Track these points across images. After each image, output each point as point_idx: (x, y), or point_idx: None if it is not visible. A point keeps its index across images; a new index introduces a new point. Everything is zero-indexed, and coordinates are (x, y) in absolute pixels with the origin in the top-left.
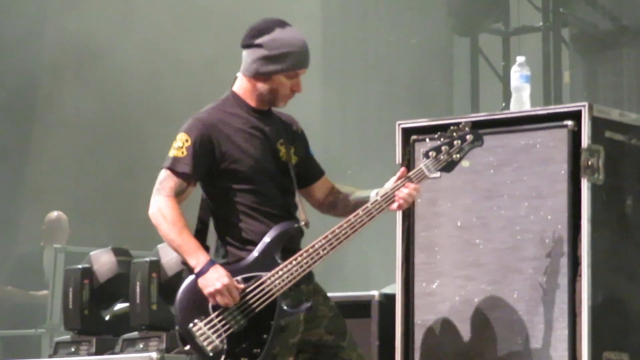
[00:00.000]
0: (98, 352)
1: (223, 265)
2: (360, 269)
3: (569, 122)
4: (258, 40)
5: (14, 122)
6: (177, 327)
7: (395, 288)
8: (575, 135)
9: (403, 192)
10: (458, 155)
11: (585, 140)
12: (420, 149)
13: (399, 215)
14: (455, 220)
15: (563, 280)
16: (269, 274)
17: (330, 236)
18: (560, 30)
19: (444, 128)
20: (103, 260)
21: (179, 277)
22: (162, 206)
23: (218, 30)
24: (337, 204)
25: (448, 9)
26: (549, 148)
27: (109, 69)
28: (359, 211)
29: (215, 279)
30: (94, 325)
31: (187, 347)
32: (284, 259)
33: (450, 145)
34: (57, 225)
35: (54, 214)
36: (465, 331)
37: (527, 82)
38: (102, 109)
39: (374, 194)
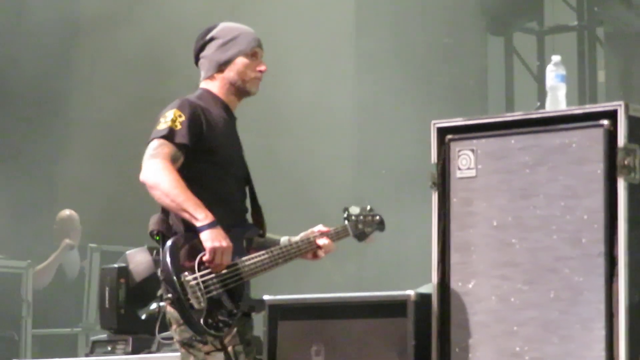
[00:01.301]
0: (134, 352)
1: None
2: (396, 268)
3: (605, 122)
4: (209, 35)
5: (43, 123)
6: (165, 273)
7: (431, 288)
8: (611, 135)
9: (323, 241)
10: (369, 229)
11: (621, 140)
12: (456, 148)
13: (434, 215)
14: (491, 219)
15: (599, 280)
16: (244, 257)
17: (289, 247)
18: (595, 29)
19: (480, 127)
20: (139, 259)
21: None
22: (161, 166)
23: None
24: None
25: (482, 8)
26: (585, 147)
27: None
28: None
29: (223, 236)
30: (130, 324)
31: (169, 296)
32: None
33: (366, 219)
34: (69, 223)
35: (66, 212)
36: (501, 331)
37: (563, 82)
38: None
39: (285, 239)
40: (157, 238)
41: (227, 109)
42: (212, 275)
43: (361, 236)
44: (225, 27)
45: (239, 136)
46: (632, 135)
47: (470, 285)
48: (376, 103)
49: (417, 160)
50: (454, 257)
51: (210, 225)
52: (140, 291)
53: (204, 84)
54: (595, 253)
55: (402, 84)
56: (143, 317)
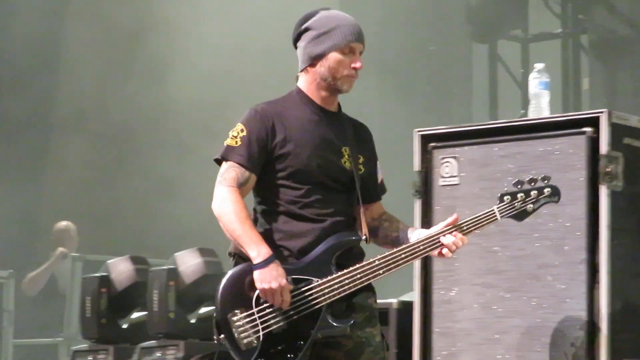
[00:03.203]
0: None
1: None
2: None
3: (588, 129)
4: (305, 25)
5: (31, 132)
6: (214, 314)
7: (414, 296)
8: (594, 142)
9: (448, 239)
10: (532, 206)
11: (604, 147)
12: (439, 156)
13: (417, 223)
14: None
15: (582, 287)
16: (321, 280)
17: (389, 257)
18: (579, 36)
19: (463, 135)
20: (121, 269)
21: (196, 285)
22: (225, 196)
23: (234, 37)
24: (378, 232)
25: (467, 15)
26: (568, 155)
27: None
28: (419, 243)
29: (273, 277)
30: (111, 333)
31: (222, 337)
32: (338, 270)
33: (527, 194)
34: (66, 234)
35: (63, 223)
36: (483, 339)
37: (546, 89)
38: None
39: (415, 234)
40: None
41: (317, 107)
42: (272, 308)
43: (522, 215)
44: (322, 17)
45: (346, 133)
46: (615, 143)
47: (452, 293)
48: (360, 110)
49: (401, 167)
50: (437, 265)
51: (261, 265)
52: (121, 300)
53: (299, 78)
54: (578, 260)
55: (386, 91)
56: (124, 326)
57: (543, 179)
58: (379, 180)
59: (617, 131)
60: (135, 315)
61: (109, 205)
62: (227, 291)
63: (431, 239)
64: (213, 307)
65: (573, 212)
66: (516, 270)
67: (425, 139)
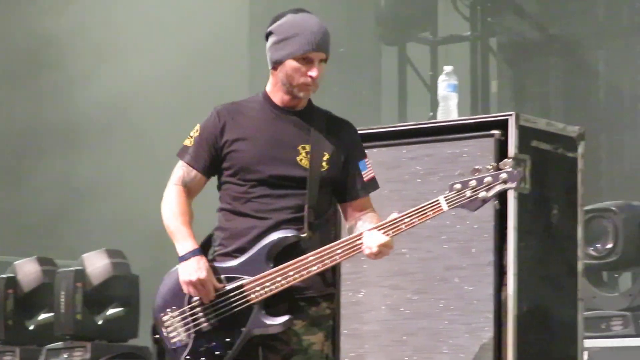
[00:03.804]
0: None
1: (212, 260)
2: None
3: (496, 132)
4: (270, 28)
5: None
6: (152, 314)
7: None
8: (502, 145)
9: (369, 239)
10: (485, 194)
11: (511, 150)
12: None
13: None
14: None
15: (489, 289)
16: (251, 279)
17: (324, 253)
18: (488, 39)
19: (372, 137)
20: (27, 270)
21: (104, 287)
22: (167, 193)
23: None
24: (354, 230)
25: (376, 17)
26: (476, 157)
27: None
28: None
29: (193, 269)
30: (17, 335)
31: (156, 336)
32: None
33: (480, 181)
34: None
35: None
36: (391, 340)
37: (455, 92)
38: (34, 118)
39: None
40: None
41: (276, 108)
42: (204, 306)
43: (474, 204)
44: (285, 22)
45: (310, 131)
46: (522, 146)
47: (360, 295)
48: None
49: None
50: (345, 267)
51: (183, 258)
52: (28, 302)
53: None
54: (485, 262)
55: None
56: (31, 327)
57: (503, 164)
58: (367, 178)
59: (525, 134)
60: (42, 316)
61: (15, 206)
62: (161, 291)
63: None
64: (121, 309)
65: (480, 214)
66: (424, 272)
67: None
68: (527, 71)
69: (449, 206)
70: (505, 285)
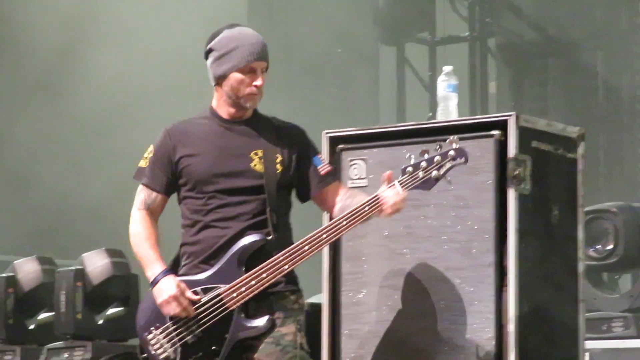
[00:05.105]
0: None
1: (183, 275)
2: None
3: (496, 132)
4: (209, 46)
5: None
6: (137, 335)
7: (322, 298)
8: (502, 145)
9: (387, 195)
10: (437, 172)
11: (511, 150)
12: (347, 158)
13: (324, 225)
14: (382, 229)
15: (489, 290)
16: (227, 286)
17: (292, 251)
18: (487, 40)
19: (371, 137)
20: (27, 269)
21: (104, 286)
22: (132, 219)
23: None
24: (343, 209)
25: (374, 18)
26: (476, 158)
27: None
28: (331, 223)
29: (164, 290)
30: (18, 334)
31: (144, 355)
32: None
33: (430, 161)
34: None
35: None
36: (391, 341)
37: (454, 92)
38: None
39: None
40: None
41: (223, 121)
42: (185, 319)
43: (427, 183)
44: (224, 38)
45: (260, 138)
46: (522, 146)
47: (361, 296)
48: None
49: None
50: (345, 267)
51: (154, 282)
52: (28, 301)
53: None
54: (486, 263)
55: (293, 93)
56: (31, 327)
57: (449, 142)
58: (323, 172)
59: (525, 134)
60: (43, 316)
61: (15, 205)
62: (142, 311)
63: (329, 228)
64: (121, 308)
65: (481, 215)
66: (424, 273)
67: (334, 141)
68: (525, 72)
69: (403, 189)
70: (506, 286)
